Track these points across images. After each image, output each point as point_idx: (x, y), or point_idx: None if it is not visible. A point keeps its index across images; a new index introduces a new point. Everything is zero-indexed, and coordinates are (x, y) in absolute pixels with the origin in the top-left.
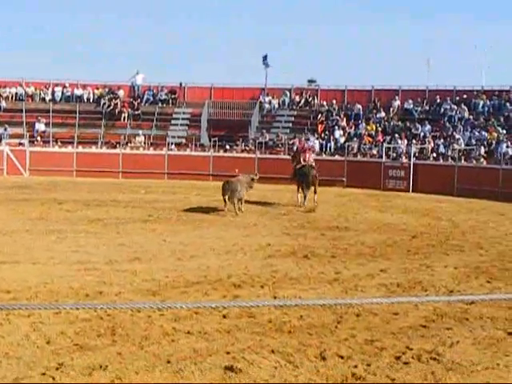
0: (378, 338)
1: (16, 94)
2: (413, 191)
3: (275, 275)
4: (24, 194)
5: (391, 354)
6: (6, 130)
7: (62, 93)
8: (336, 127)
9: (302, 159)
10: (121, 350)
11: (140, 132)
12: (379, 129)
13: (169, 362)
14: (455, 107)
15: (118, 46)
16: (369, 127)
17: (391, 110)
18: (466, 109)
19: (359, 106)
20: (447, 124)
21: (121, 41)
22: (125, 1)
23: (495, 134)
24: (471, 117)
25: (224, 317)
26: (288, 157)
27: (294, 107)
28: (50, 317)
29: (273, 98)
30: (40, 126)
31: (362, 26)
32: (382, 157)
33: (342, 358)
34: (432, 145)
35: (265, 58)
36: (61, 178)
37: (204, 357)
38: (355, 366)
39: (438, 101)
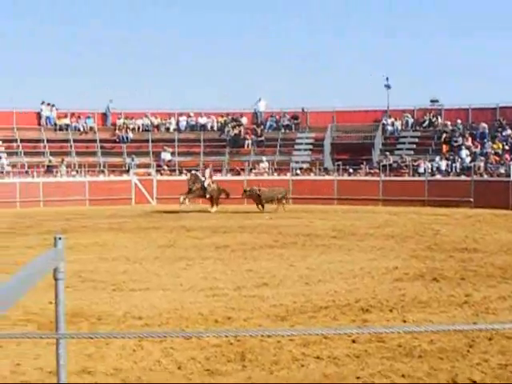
0: None
1: (142, 124)
2: None
3: (404, 299)
4: (152, 221)
5: None
6: (133, 160)
7: (187, 122)
8: (462, 147)
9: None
10: (251, 375)
11: (264, 158)
12: (506, 147)
13: None
14: None
15: (240, 73)
16: (495, 146)
17: None
18: None
19: (484, 125)
20: None
21: (239, 68)
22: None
23: None
24: None
25: (353, 341)
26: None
27: (418, 128)
28: (181, 342)
29: (395, 119)
30: (166, 156)
31: (483, 41)
32: (509, 175)
33: (474, 382)
34: None
35: (386, 79)
36: (187, 205)
37: (334, 382)
38: None
39: None
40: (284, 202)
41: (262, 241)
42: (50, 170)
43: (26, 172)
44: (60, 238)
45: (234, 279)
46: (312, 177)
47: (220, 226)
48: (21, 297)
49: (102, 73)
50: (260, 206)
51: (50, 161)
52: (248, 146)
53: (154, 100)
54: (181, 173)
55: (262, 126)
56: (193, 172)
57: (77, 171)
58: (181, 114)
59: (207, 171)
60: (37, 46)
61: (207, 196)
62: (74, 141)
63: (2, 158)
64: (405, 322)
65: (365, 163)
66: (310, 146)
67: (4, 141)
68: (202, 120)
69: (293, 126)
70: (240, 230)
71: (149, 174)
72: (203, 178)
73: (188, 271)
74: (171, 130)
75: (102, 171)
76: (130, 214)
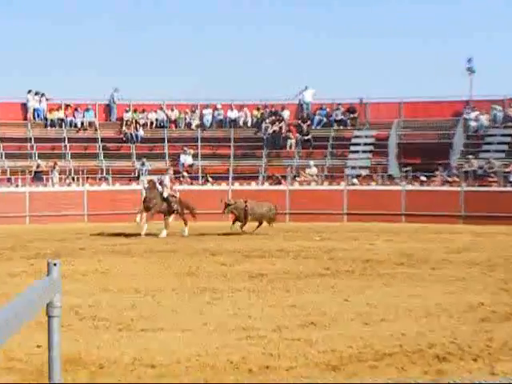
0: None
1: (156, 119)
2: None
3: (491, 344)
4: (169, 243)
5: None
6: (144, 164)
7: (213, 116)
8: None
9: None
10: None
11: (311, 162)
12: None
13: None
14: None
15: (281, 54)
16: None
17: None
18: None
19: None
20: None
21: (283, 50)
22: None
23: None
24: None
25: None
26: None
27: (510, 124)
28: None
29: (480, 112)
30: (186, 159)
31: None
32: None
33: None
34: None
35: (469, 61)
36: (212, 223)
37: None
38: None
39: None
40: (273, 223)
41: (309, 268)
42: (38, 176)
43: (8, 180)
44: (55, 264)
45: (272, 317)
46: (373, 186)
47: (254, 249)
48: (4, 341)
49: (105, 54)
50: (241, 224)
51: (38, 165)
52: (291, 147)
53: (171, 88)
54: (207, 181)
55: (309, 122)
56: (150, 179)
57: (73, 178)
58: (205, 106)
59: (166, 178)
60: (22, 22)
61: (173, 211)
62: (70, 140)
63: None
64: (493, 374)
65: (441, 169)
66: (371, 147)
67: None
68: (233, 114)
69: (348, 121)
70: (280, 254)
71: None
72: (161, 188)
73: (214, 307)
74: (193, 126)
75: (105, 178)
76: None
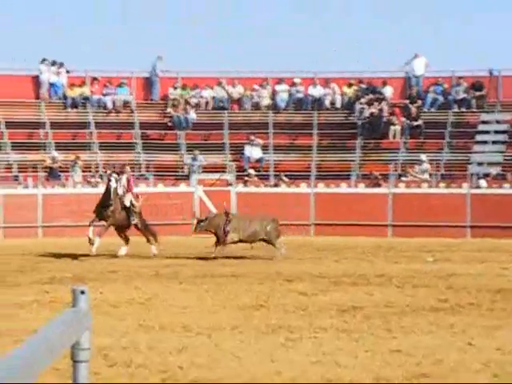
0: None
1: (213, 98)
2: None
3: None
4: (231, 265)
5: None
6: (195, 158)
7: (290, 94)
8: None
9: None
10: None
11: (422, 157)
12: None
13: None
14: None
15: (381, 14)
16: None
17: None
18: None
19: None
20: None
21: (378, 7)
22: None
23: None
24: None
25: None
26: None
27: None
28: None
29: None
30: (253, 152)
31: None
32: None
33: None
34: None
35: None
36: (289, 236)
37: None
38: None
39: None
40: (276, 243)
41: (419, 300)
42: (54, 174)
43: (15, 178)
44: (83, 292)
45: (369, 366)
46: (506, 190)
47: (345, 274)
48: None
49: (143, 13)
50: (219, 245)
51: (54, 159)
52: (395, 136)
53: (233, 57)
54: (280, 180)
55: (420, 102)
56: (114, 176)
57: (101, 177)
58: (279, 81)
59: (123, 178)
60: None
61: (132, 223)
62: (97, 125)
63: None
64: None
65: None
66: (504, 137)
67: None
68: (316, 91)
69: (473, 101)
70: (380, 281)
71: (224, 183)
72: (120, 190)
73: (290, 351)
74: (263, 107)
75: (145, 177)
76: (191, 251)
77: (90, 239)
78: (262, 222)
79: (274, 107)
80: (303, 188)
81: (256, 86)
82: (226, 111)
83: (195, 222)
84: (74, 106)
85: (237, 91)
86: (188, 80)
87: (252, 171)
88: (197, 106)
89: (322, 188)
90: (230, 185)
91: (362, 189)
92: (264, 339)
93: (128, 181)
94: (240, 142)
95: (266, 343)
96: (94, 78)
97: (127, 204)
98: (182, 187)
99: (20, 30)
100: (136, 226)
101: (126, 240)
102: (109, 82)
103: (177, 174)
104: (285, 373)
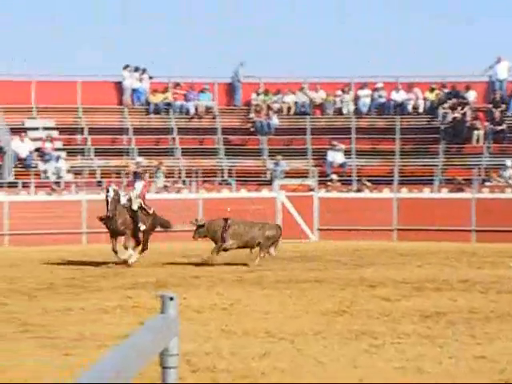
0: None
1: (295, 103)
2: None
3: None
4: (312, 270)
5: None
6: (278, 164)
7: (372, 99)
8: None
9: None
10: None
11: (509, 162)
12: None
13: None
14: None
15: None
16: None
17: None
18: None
19: None
20: None
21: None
22: None
23: None
24: None
25: None
26: None
27: None
28: None
29: None
30: (336, 156)
31: None
32: None
33: None
34: None
35: None
36: (372, 242)
37: None
38: None
39: None
40: (265, 249)
41: (503, 306)
42: (139, 178)
43: (98, 183)
44: (172, 299)
45: (453, 372)
46: None
47: (428, 279)
48: None
49: (227, 20)
50: (215, 251)
51: (139, 164)
52: (478, 141)
53: (315, 62)
54: (363, 185)
55: (504, 106)
56: (113, 187)
57: (184, 182)
58: (362, 86)
59: (140, 184)
60: None
61: (141, 229)
62: (180, 131)
63: (60, 160)
64: None
65: None
66: None
67: (62, 131)
68: (399, 96)
69: None
70: (464, 287)
71: (306, 188)
72: (125, 198)
73: (373, 357)
74: (345, 111)
75: (227, 182)
76: (274, 257)
77: (116, 255)
78: (263, 227)
79: (357, 112)
80: (386, 193)
81: (338, 91)
82: (308, 116)
83: (194, 228)
84: (157, 111)
85: (319, 96)
86: (270, 85)
87: (334, 176)
88: (279, 111)
89: (404, 193)
90: (312, 190)
91: (445, 194)
92: (347, 345)
93: (144, 187)
94: (322, 147)
95: (349, 349)
96: (177, 84)
97: (135, 208)
98: (265, 193)
99: (103, 36)
100: (144, 231)
101: (143, 246)
102: (191, 87)
103: (259, 179)
104: (368, 379)
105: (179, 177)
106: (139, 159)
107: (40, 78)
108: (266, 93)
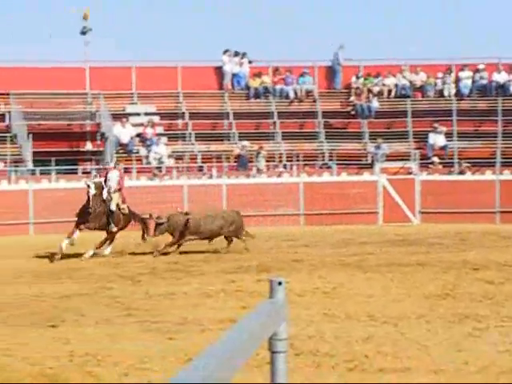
0: None
1: (396, 86)
2: None
3: None
4: (415, 253)
5: None
6: (379, 147)
7: (473, 81)
8: None
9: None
10: None
11: None
12: None
13: None
14: None
15: None
16: None
17: None
18: None
19: None
20: None
21: None
22: None
23: None
24: None
25: None
26: None
27: None
28: None
29: None
30: (437, 139)
31: None
32: None
33: None
34: None
35: None
36: (474, 224)
37: None
38: None
39: None
40: (242, 236)
41: None
42: (243, 162)
43: (199, 168)
44: (280, 283)
45: None
46: None
47: None
48: (226, 381)
49: (326, 2)
50: (170, 245)
51: (243, 148)
52: None
53: (415, 44)
54: (465, 168)
55: None
56: (94, 182)
57: (284, 166)
58: (463, 67)
59: (113, 174)
60: None
61: (113, 230)
62: (280, 115)
63: (161, 145)
64: None
65: None
66: None
67: (163, 116)
68: (500, 77)
69: None
70: None
71: (406, 171)
72: (105, 192)
73: (477, 340)
74: (446, 94)
75: (328, 166)
76: (376, 240)
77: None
78: (227, 218)
79: (458, 94)
80: (488, 175)
81: (439, 74)
82: (408, 99)
83: (154, 225)
84: (257, 96)
85: (419, 79)
86: (370, 68)
87: (436, 159)
88: (379, 94)
89: (507, 175)
90: (414, 173)
91: None
92: (450, 328)
93: (121, 178)
94: (423, 129)
95: (452, 332)
96: (276, 68)
97: (113, 208)
98: (366, 176)
99: (203, 21)
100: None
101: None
102: (291, 71)
103: (360, 162)
104: (471, 362)
105: (280, 161)
106: (244, 143)
107: (141, 64)
108: (367, 76)
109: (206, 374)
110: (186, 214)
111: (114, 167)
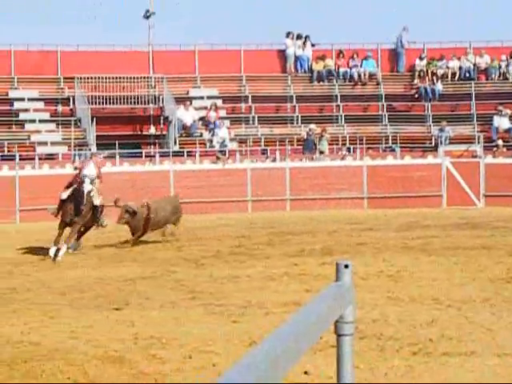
0: None
1: (460, 69)
2: None
3: None
4: (479, 237)
5: None
6: (442, 130)
7: None
8: None
9: None
10: None
11: None
12: None
13: None
14: None
15: None
16: None
17: None
18: None
19: None
20: None
21: None
22: None
23: None
24: None
25: None
26: None
27: None
28: None
29: None
30: (502, 122)
31: None
32: None
33: None
34: None
35: None
36: None
37: None
38: None
39: None
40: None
41: None
42: (309, 146)
43: (263, 151)
44: (347, 266)
45: None
46: None
47: None
48: (292, 364)
49: None
50: (134, 237)
51: (310, 130)
52: None
53: (482, 26)
54: None
55: None
56: (88, 178)
57: (348, 149)
58: None
59: (91, 165)
60: None
61: (103, 225)
62: (343, 98)
63: (223, 128)
64: None
65: None
66: None
67: (226, 99)
68: None
69: None
70: None
71: (473, 154)
72: (87, 184)
73: None
74: (510, 77)
75: (391, 149)
76: (440, 223)
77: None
78: (173, 203)
79: None
80: None
81: (504, 56)
82: (472, 81)
83: (123, 210)
84: (320, 79)
85: (484, 61)
86: (434, 51)
87: (500, 142)
88: (443, 76)
89: None
90: (478, 156)
91: None
92: None
93: (97, 168)
94: (488, 112)
95: None
96: (340, 51)
97: (97, 203)
98: (430, 159)
99: (266, 4)
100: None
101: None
102: (354, 54)
103: (424, 145)
104: None
105: (343, 144)
106: (312, 126)
107: (204, 48)
108: (431, 59)
109: (272, 357)
110: (147, 204)
111: (90, 158)
